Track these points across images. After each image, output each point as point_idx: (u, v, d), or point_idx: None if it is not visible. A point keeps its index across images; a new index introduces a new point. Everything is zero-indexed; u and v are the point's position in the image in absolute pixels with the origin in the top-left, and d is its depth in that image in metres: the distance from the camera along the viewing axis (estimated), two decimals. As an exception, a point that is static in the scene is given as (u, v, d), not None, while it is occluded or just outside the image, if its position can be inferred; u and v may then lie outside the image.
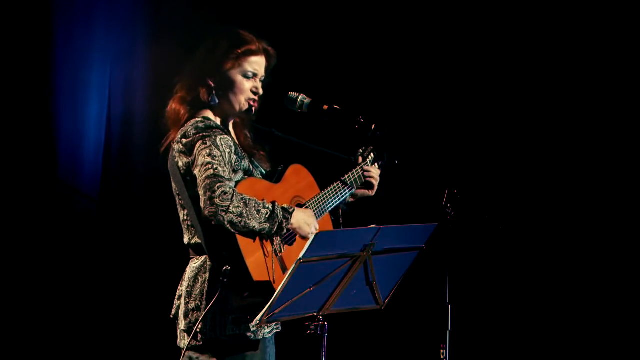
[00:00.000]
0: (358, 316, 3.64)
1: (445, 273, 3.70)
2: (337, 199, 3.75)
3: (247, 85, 3.65)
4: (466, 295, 5.44)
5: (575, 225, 5.64)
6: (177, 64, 3.79)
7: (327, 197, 3.72)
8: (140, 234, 5.71)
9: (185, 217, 3.59)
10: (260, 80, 3.69)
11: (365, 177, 3.84)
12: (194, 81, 3.65)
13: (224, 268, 3.38)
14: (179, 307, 3.58)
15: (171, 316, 3.63)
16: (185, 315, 3.51)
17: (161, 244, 5.53)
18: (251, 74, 3.65)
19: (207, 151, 3.45)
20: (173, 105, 3.65)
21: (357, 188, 3.84)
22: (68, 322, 5.54)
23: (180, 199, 3.59)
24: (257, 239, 3.46)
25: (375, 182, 3.87)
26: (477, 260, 5.66)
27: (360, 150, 3.89)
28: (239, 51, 3.64)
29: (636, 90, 5.58)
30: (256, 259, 3.42)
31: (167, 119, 3.67)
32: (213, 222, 3.36)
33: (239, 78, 3.64)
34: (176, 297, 3.61)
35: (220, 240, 3.42)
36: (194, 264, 3.56)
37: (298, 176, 3.71)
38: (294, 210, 3.50)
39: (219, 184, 3.37)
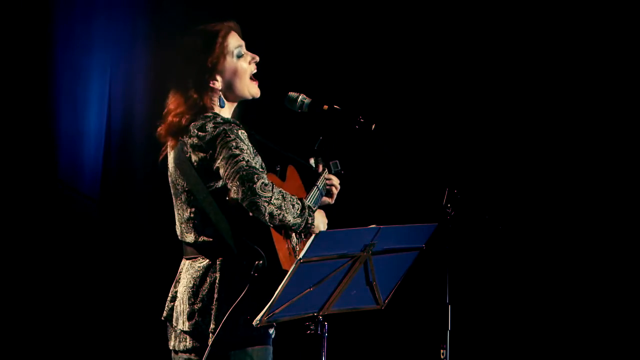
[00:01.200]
0: (358, 316, 3.64)
1: (445, 273, 3.69)
2: (317, 204, 3.78)
3: (245, 62, 3.64)
4: (466, 295, 5.44)
5: (575, 225, 5.64)
6: (173, 69, 3.77)
7: (312, 200, 3.74)
8: (140, 234, 5.71)
9: (192, 215, 3.51)
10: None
11: (327, 185, 3.88)
12: (195, 98, 3.55)
13: (256, 262, 3.35)
14: (172, 308, 3.52)
15: (162, 318, 3.57)
16: (190, 317, 3.44)
17: (161, 244, 5.52)
18: (240, 49, 3.64)
19: (234, 144, 3.40)
20: (173, 119, 3.55)
21: (324, 195, 3.88)
22: (68, 322, 5.54)
23: (189, 195, 3.51)
24: (283, 234, 3.47)
25: (336, 190, 3.90)
26: (477, 260, 5.66)
27: (312, 160, 3.90)
28: (220, 37, 3.61)
29: (636, 90, 5.58)
30: (284, 254, 3.43)
31: (165, 131, 3.57)
32: (251, 214, 3.34)
33: (234, 62, 3.62)
34: (169, 298, 3.55)
35: (253, 232, 3.39)
36: (199, 263, 3.48)
37: (293, 177, 3.74)
38: (315, 210, 3.51)
39: (256, 175, 3.34)
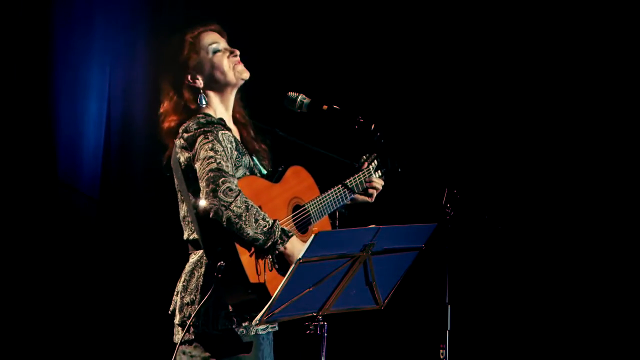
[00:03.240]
0: (358, 316, 3.64)
1: (445, 273, 3.69)
2: (337, 203, 3.75)
3: (223, 56, 3.66)
4: (466, 295, 5.44)
5: (574, 225, 5.64)
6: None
7: (327, 199, 3.71)
8: (140, 234, 5.71)
9: (186, 213, 3.59)
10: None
11: (366, 182, 3.83)
12: (176, 99, 3.63)
13: (219, 264, 3.37)
14: (176, 302, 3.58)
15: (169, 312, 3.63)
16: (180, 310, 3.52)
17: (161, 244, 5.53)
18: (215, 46, 3.66)
19: (210, 145, 3.44)
20: (166, 125, 3.64)
21: (358, 193, 3.83)
22: (68, 321, 5.54)
23: (180, 195, 3.60)
24: None
25: (376, 192, 3.87)
26: (477, 260, 5.66)
27: (364, 157, 3.89)
28: (191, 38, 3.66)
29: (636, 90, 5.58)
30: (249, 258, 3.42)
31: (164, 135, 3.65)
32: (211, 215, 3.36)
33: (209, 57, 3.65)
34: (175, 293, 3.62)
35: (217, 236, 3.41)
36: (191, 259, 3.58)
37: (298, 177, 3.69)
38: (292, 235, 3.46)
39: (223, 179, 3.36)
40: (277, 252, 3.43)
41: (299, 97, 3.75)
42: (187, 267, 3.57)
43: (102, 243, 5.67)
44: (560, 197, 5.69)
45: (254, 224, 3.37)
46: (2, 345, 5.37)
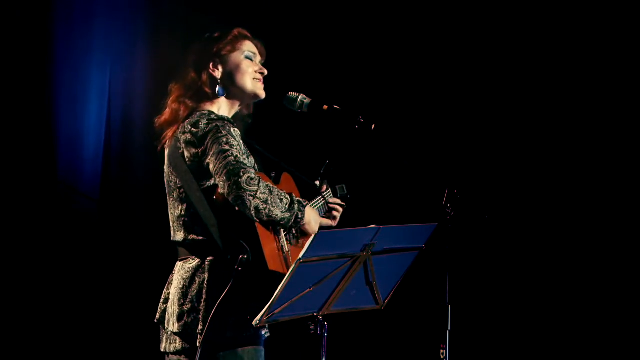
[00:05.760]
0: (358, 316, 3.64)
1: (445, 273, 3.69)
2: (320, 212, 3.77)
3: (250, 66, 3.66)
4: (466, 295, 5.44)
5: (575, 225, 5.64)
6: (177, 64, 3.79)
7: (314, 207, 3.73)
8: (140, 234, 5.71)
9: (183, 213, 3.52)
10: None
11: (329, 204, 3.85)
12: (193, 77, 3.62)
13: (240, 257, 3.35)
14: (164, 310, 3.52)
15: (155, 320, 3.57)
16: (180, 318, 3.45)
17: (161, 244, 5.51)
18: (251, 55, 3.67)
19: (224, 139, 3.42)
20: (172, 106, 3.62)
21: (326, 211, 3.85)
22: (67, 322, 5.54)
23: (181, 192, 3.52)
24: (272, 231, 3.46)
25: (338, 213, 3.86)
26: (477, 260, 5.66)
27: (317, 183, 3.90)
28: (235, 33, 3.67)
29: (636, 90, 5.58)
30: (271, 250, 3.42)
31: (163, 119, 3.63)
32: (237, 208, 3.34)
33: (241, 58, 3.65)
34: (161, 300, 3.56)
35: (239, 228, 3.39)
36: (189, 264, 3.49)
37: (289, 185, 3.72)
38: (306, 205, 3.51)
39: (243, 170, 3.35)
40: (299, 224, 3.47)
41: (299, 97, 3.75)
42: (184, 273, 3.48)
43: (102, 243, 5.66)
44: (560, 197, 5.69)
45: (279, 204, 3.39)
46: (2, 345, 5.37)
